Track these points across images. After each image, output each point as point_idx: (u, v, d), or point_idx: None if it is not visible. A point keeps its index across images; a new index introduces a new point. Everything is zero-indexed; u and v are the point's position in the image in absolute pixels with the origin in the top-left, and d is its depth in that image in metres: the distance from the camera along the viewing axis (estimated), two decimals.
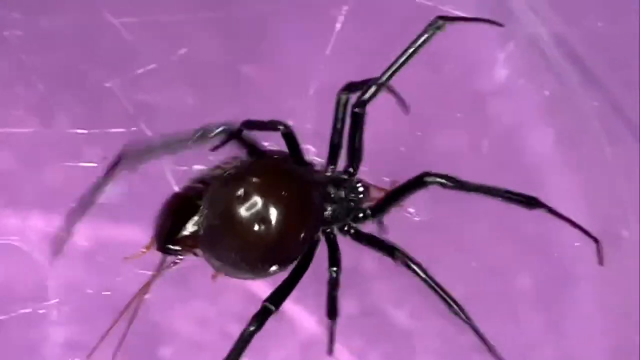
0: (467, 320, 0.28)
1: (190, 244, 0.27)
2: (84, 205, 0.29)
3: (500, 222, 0.32)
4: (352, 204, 0.29)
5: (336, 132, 0.29)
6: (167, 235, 0.27)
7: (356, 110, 0.29)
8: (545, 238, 0.32)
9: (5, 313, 0.30)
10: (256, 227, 0.26)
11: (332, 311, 0.29)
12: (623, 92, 0.33)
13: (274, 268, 0.27)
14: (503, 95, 0.32)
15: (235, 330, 0.27)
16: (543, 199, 0.28)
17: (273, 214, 0.27)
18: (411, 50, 0.29)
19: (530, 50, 0.33)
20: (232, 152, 0.29)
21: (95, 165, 0.30)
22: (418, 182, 0.28)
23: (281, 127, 0.28)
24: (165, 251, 0.27)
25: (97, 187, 0.28)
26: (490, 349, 0.28)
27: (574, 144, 0.33)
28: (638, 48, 0.33)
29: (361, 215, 0.29)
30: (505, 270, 0.33)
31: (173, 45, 0.32)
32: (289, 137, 0.29)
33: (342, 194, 0.29)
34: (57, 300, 0.29)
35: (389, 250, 0.28)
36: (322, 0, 0.33)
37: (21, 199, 0.31)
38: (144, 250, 0.27)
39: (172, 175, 0.29)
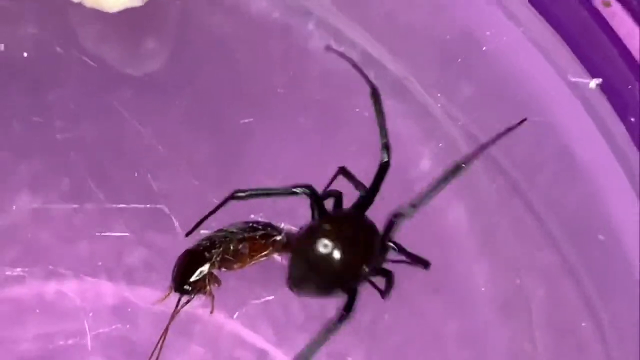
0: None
1: (200, 286, 0.31)
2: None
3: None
4: None
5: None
6: (181, 280, 0.31)
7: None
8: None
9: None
10: (333, 268, 0.30)
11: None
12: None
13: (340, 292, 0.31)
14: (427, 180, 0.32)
15: None
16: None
17: (346, 258, 0.30)
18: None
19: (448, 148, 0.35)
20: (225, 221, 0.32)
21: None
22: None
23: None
24: (182, 292, 0.31)
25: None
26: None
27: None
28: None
29: None
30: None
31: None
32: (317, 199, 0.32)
33: None
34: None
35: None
36: None
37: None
38: (167, 293, 0.31)
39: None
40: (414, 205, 0.30)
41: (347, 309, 0.30)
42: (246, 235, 0.31)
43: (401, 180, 0.31)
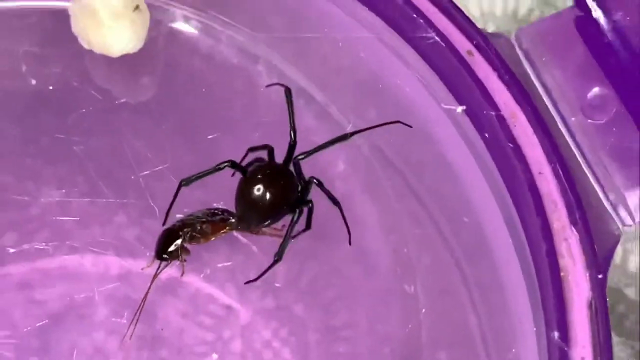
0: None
1: (175, 255, 0.35)
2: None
3: None
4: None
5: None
6: (161, 250, 0.35)
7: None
8: None
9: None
10: (266, 201, 0.33)
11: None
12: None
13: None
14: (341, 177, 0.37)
15: None
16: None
17: (275, 194, 0.33)
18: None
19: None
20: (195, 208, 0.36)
21: None
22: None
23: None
24: (161, 259, 0.35)
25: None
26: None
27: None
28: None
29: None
30: None
31: None
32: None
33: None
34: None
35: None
36: None
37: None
38: (152, 261, 0.35)
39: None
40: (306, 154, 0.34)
41: (295, 215, 0.33)
42: (208, 218, 0.36)
43: (324, 176, 0.35)
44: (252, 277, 0.35)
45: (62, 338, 0.35)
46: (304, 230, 0.34)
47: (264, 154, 0.35)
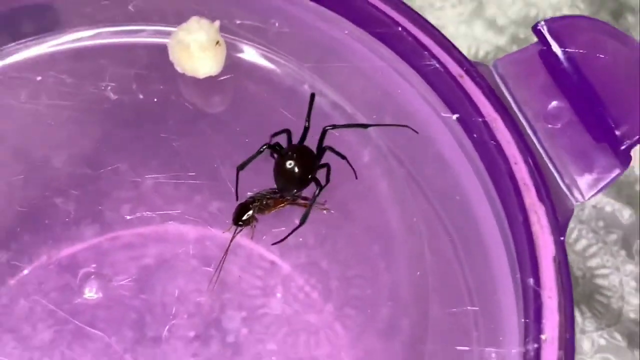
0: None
1: (247, 222, 0.33)
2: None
3: None
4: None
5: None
6: (237, 219, 0.34)
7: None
8: None
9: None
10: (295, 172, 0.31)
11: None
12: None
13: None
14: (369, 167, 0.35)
15: None
16: None
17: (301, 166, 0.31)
18: None
19: None
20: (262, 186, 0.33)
21: None
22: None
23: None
24: (237, 225, 0.33)
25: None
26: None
27: None
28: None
29: None
30: None
31: None
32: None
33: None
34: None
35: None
36: None
37: None
38: (230, 226, 0.34)
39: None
40: (333, 127, 0.32)
41: (318, 186, 0.31)
42: (271, 195, 0.34)
43: (353, 165, 0.33)
44: (288, 244, 0.33)
45: (156, 284, 0.33)
46: (324, 186, 0.32)
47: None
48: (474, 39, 0.45)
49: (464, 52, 0.46)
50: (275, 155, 0.32)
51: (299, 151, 0.31)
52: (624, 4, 0.45)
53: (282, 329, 0.32)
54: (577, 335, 0.38)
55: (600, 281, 0.40)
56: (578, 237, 0.41)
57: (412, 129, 0.33)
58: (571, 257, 0.40)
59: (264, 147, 0.31)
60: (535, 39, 0.33)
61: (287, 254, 0.34)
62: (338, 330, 0.32)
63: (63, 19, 0.36)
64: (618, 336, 0.38)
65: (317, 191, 0.31)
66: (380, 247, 0.33)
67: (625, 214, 0.41)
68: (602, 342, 0.38)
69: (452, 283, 0.32)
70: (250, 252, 0.34)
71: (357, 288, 0.33)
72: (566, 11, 0.46)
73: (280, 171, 0.31)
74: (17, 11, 0.35)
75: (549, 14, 0.46)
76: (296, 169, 0.31)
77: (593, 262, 0.41)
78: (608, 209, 0.41)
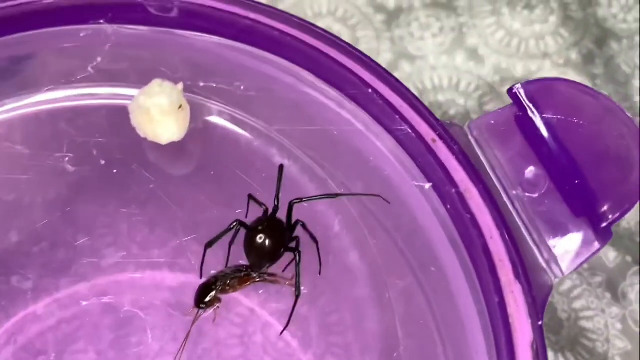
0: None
1: (210, 305, 0.32)
2: None
3: None
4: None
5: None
6: (199, 300, 0.32)
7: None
8: None
9: None
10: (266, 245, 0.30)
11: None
12: None
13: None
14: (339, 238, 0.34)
15: None
16: None
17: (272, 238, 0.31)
18: None
19: None
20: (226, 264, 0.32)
21: None
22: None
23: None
24: (199, 308, 0.32)
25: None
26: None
27: None
28: None
29: None
30: None
31: None
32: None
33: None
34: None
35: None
36: None
37: None
38: (192, 308, 0.32)
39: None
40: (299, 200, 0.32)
41: (297, 256, 0.31)
42: (235, 275, 0.32)
43: (323, 236, 0.33)
44: (268, 291, 0.33)
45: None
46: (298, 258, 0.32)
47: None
48: (455, 69, 0.44)
49: (445, 83, 0.45)
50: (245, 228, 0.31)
51: (269, 225, 0.31)
52: (608, 30, 0.45)
53: None
54: None
55: (585, 324, 0.39)
56: (563, 278, 0.40)
57: (384, 199, 0.32)
58: (556, 299, 0.39)
59: (234, 224, 0.31)
60: (509, 100, 0.33)
61: (265, 301, 0.33)
62: None
63: (19, 81, 0.35)
64: None
65: (297, 257, 0.31)
66: (352, 316, 0.34)
67: (610, 256, 0.40)
68: None
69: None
70: (228, 299, 0.33)
71: (337, 336, 0.33)
72: (549, 39, 0.45)
73: (251, 246, 0.31)
74: None
75: (532, 44, 0.45)
76: (267, 243, 0.30)
77: (578, 304, 0.40)
78: None
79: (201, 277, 0.32)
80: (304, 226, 0.31)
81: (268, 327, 0.33)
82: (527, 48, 0.44)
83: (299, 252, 0.30)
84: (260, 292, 0.33)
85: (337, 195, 0.32)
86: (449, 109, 0.43)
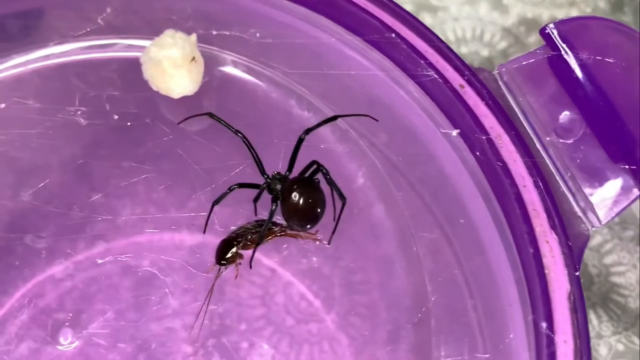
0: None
1: (231, 261, 0.30)
2: None
3: None
4: None
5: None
6: (220, 257, 0.31)
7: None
8: None
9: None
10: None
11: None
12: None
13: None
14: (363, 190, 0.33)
15: None
16: None
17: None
18: None
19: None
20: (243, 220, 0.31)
21: None
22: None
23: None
24: (220, 264, 0.31)
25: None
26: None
27: None
28: None
29: None
30: None
31: None
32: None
33: None
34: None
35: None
36: None
37: None
38: (212, 266, 0.31)
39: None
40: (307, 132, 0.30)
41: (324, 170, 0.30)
42: (256, 229, 0.31)
43: (347, 189, 0.31)
44: (288, 247, 0.32)
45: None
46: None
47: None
48: (479, 19, 0.42)
49: (468, 34, 0.43)
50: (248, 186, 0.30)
51: (306, 186, 0.30)
52: None
53: (283, 341, 0.30)
54: (593, 340, 0.37)
55: (616, 279, 0.38)
56: (593, 233, 0.38)
57: (372, 117, 0.31)
58: (586, 254, 0.38)
59: (234, 187, 0.30)
60: (542, 42, 0.32)
61: (286, 260, 0.32)
62: (342, 340, 0.31)
63: (28, 35, 0.33)
64: (636, 340, 0.37)
65: (325, 170, 0.30)
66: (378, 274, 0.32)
67: None
68: (620, 347, 0.36)
69: (459, 318, 0.30)
70: (248, 258, 0.31)
71: (361, 294, 0.31)
72: None
73: (297, 209, 0.30)
74: None
75: None
76: (316, 204, 0.30)
77: (609, 259, 0.39)
78: None
79: (205, 231, 0.31)
80: (329, 179, 0.30)
81: (290, 287, 0.32)
82: None
83: (324, 168, 0.30)
84: (285, 253, 0.32)
85: (335, 117, 0.31)
86: (473, 61, 0.41)
